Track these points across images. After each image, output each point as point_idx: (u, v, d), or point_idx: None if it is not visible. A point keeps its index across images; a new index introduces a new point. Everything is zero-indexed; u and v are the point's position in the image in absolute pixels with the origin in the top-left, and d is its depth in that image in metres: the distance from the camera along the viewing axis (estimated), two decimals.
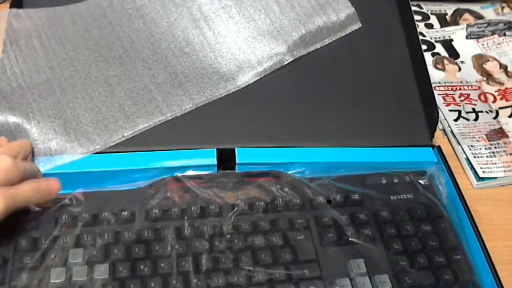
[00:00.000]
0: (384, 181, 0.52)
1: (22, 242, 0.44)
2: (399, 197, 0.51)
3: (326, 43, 0.63)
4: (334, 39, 0.64)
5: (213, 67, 0.60)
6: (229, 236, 0.46)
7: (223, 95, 0.58)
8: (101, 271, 0.43)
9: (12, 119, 0.53)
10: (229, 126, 0.56)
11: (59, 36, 0.60)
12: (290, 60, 0.61)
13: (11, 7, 0.61)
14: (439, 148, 0.56)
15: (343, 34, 0.64)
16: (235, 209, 0.48)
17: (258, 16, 0.63)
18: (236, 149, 0.53)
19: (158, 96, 0.57)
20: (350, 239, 0.47)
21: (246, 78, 0.59)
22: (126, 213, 0.47)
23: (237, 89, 0.58)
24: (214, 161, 0.52)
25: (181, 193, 0.49)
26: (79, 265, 0.43)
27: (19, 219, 0.46)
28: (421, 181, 0.52)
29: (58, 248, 0.44)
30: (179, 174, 0.50)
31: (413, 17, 0.63)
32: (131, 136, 0.53)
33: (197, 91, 0.57)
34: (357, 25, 0.65)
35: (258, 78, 0.59)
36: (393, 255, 0.46)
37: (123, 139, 0.53)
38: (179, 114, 0.55)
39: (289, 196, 0.49)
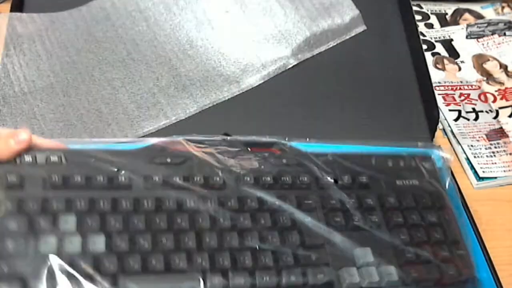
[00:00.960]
0: (390, 164, 0.52)
1: (6, 204, 0.40)
2: (404, 182, 0.51)
3: (331, 46, 0.64)
4: (338, 41, 0.65)
5: (217, 70, 0.61)
6: (234, 212, 0.44)
7: (227, 98, 0.59)
8: (97, 244, 0.40)
9: (14, 124, 0.54)
10: (230, 125, 0.57)
11: (62, 40, 0.61)
12: (294, 64, 0.62)
13: (11, 9, 0.62)
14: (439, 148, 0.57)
15: (347, 37, 0.65)
16: (240, 182, 0.46)
17: (262, 20, 0.64)
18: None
19: (162, 100, 0.58)
20: (357, 224, 0.47)
21: (250, 81, 0.60)
22: (123, 178, 0.43)
23: (241, 91, 0.60)
24: None
25: (182, 159, 0.47)
26: (71, 234, 0.40)
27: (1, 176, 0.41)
28: (426, 166, 0.53)
29: (48, 213, 0.40)
30: (180, 138, 0.48)
31: (414, 18, 0.65)
32: None
33: (201, 94, 0.59)
34: (362, 28, 0.66)
35: (263, 81, 0.61)
36: (400, 245, 0.47)
37: None
38: (184, 118, 0.56)
39: (295, 172, 0.48)
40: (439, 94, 0.70)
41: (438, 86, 0.71)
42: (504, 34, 0.79)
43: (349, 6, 0.66)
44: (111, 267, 0.39)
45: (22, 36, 0.60)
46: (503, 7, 0.84)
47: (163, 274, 0.40)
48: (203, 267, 0.41)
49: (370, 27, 0.66)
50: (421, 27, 0.81)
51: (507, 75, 0.73)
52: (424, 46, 0.77)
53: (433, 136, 0.59)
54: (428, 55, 0.75)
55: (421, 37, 0.77)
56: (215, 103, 0.59)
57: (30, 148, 0.43)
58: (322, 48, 0.64)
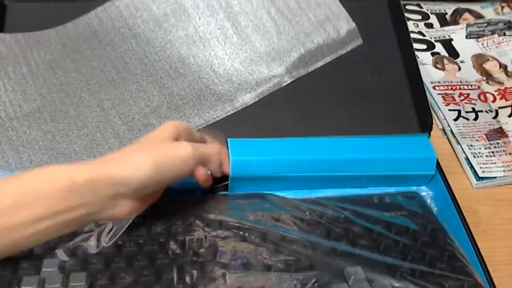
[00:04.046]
0: (376, 201, 0.58)
1: None
2: (392, 214, 0.57)
3: (327, 61, 0.69)
4: (334, 57, 0.69)
5: (210, 88, 0.65)
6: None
7: (221, 117, 0.64)
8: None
9: (1, 153, 0.58)
10: (223, 120, 0.62)
11: (48, 60, 0.65)
12: (289, 82, 0.67)
13: None
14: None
15: (343, 52, 0.69)
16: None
17: (255, 37, 0.69)
18: (228, 140, 0.57)
19: (154, 121, 0.62)
20: (345, 250, 0.52)
21: (244, 99, 0.65)
22: None
23: (235, 110, 0.64)
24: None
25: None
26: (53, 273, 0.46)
27: None
28: (413, 201, 0.58)
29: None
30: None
31: (405, 21, 0.71)
32: None
33: (194, 114, 0.63)
34: (358, 42, 0.70)
35: (257, 99, 0.65)
36: (392, 263, 0.51)
37: None
38: None
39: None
40: (438, 94, 0.76)
41: (437, 86, 0.78)
42: (504, 34, 0.86)
43: (344, 19, 0.70)
44: None
45: (7, 59, 0.64)
46: (503, 7, 0.91)
47: None
48: None
49: (363, 38, 0.71)
50: (421, 26, 0.88)
51: (507, 75, 0.80)
52: (424, 46, 0.85)
53: None
54: (428, 55, 0.83)
55: (421, 36, 0.86)
56: (209, 123, 0.63)
57: None
58: (318, 65, 0.68)
